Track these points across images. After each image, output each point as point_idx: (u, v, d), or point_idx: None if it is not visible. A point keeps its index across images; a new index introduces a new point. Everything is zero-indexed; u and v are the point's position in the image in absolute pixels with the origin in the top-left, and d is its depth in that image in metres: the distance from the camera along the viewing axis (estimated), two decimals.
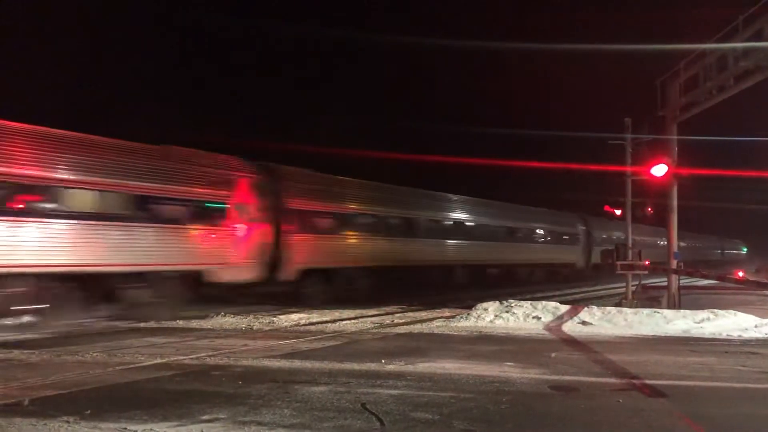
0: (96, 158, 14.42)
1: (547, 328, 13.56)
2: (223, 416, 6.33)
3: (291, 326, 14.21)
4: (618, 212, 32.68)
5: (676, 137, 18.08)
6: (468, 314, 14.90)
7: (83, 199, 14.03)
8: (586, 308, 14.92)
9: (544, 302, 15.42)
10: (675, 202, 18.53)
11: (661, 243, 41.86)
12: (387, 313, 17.12)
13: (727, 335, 12.53)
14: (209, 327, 14.13)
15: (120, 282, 14.66)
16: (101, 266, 14.25)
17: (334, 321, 15.12)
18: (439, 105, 79.15)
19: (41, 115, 14.99)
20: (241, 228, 17.53)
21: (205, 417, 6.30)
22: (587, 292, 28.32)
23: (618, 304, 17.26)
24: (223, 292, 17.51)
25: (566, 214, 39.72)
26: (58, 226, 13.56)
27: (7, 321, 13.33)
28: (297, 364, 9.28)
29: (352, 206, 22.40)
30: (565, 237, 38.07)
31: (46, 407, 6.65)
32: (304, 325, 14.41)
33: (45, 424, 6.04)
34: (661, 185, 18.78)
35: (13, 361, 9.67)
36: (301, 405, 6.77)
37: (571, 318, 14.22)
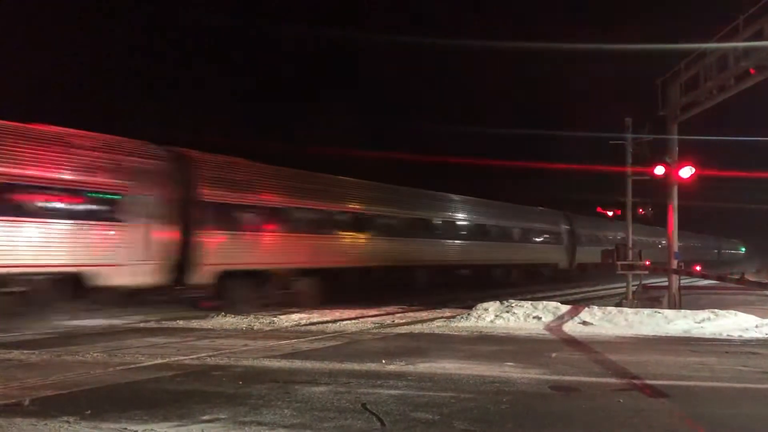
0: None
1: (548, 328, 13.55)
2: (223, 416, 6.33)
3: (291, 326, 14.21)
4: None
5: (676, 137, 18.08)
6: (468, 314, 14.90)
7: None
8: (586, 308, 14.92)
9: (544, 302, 15.41)
10: (676, 202, 18.52)
11: (655, 241, 41.86)
12: (387, 314, 17.12)
13: (728, 335, 12.52)
14: (210, 327, 14.13)
15: None
16: None
17: (334, 321, 15.12)
18: (439, 105, 79.15)
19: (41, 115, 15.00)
20: (138, 223, 15.18)
21: (205, 417, 6.30)
22: (588, 292, 28.31)
23: (619, 304, 17.26)
24: (116, 298, 15.28)
25: (547, 212, 37.66)
26: None
27: None
28: (297, 364, 9.28)
29: (289, 200, 19.64)
30: (545, 236, 35.90)
31: (46, 407, 6.66)
32: (305, 325, 14.41)
33: (45, 424, 6.04)
34: (662, 185, 18.76)
35: (13, 361, 9.68)
36: (301, 405, 6.77)
37: (572, 318, 14.21)
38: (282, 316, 15.80)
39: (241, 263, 17.67)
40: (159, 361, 9.52)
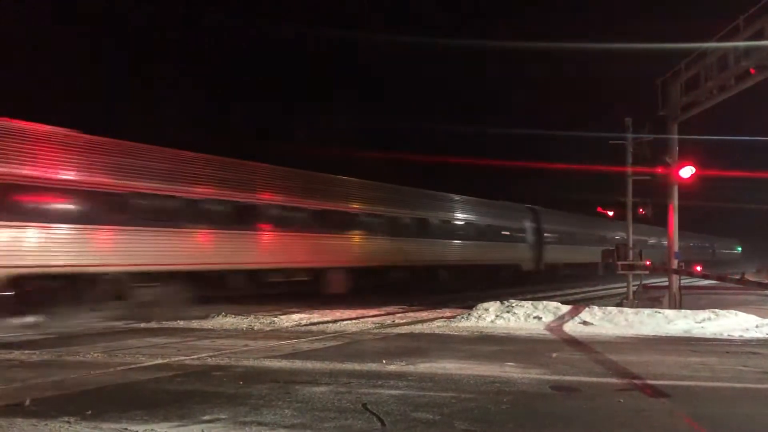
0: None
1: (548, 328, 13.55)
2: (224, 416, 6.33)
3: (292, 326, 14.21)
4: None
5: (677, 137, 18.07)
6: (469, 314, 14.90)
7: None
8: (587, 308, 14.92)
9: (545, 302, 15.41)
10: (676, 202, 18.52)
11: (651, 241, 41.52)
12: (388, 314, 17.13)
13: (729, 335, 12.52)
14: (210, 327, 14.14)
15: None
16: None
17: (335, 321, 15.13)
18: (439, 105, 79.15)
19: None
20: None
21: (206, 417, 6.30)
22: (588, 292, 28.32)
23: (619, 304, 17.26)
24: None
25: (508, 206, 33.97)
26: None
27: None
28: (298, 364, 9.28)
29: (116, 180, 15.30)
30: (505, 233, 31.82)
31: (47, 407, 6.66)
32: (305, 325, 14.41)
33: (46, 424, 6.04)
34: (662, 185, 18.76)
35: (14, 361, 9.69)
36: (302, 405, 6.77)
37: (572, 318, 14.21)
38: (282, 317, 15.81)
39: (45, 265, 13.97)
40: (159, 361, 9.52)
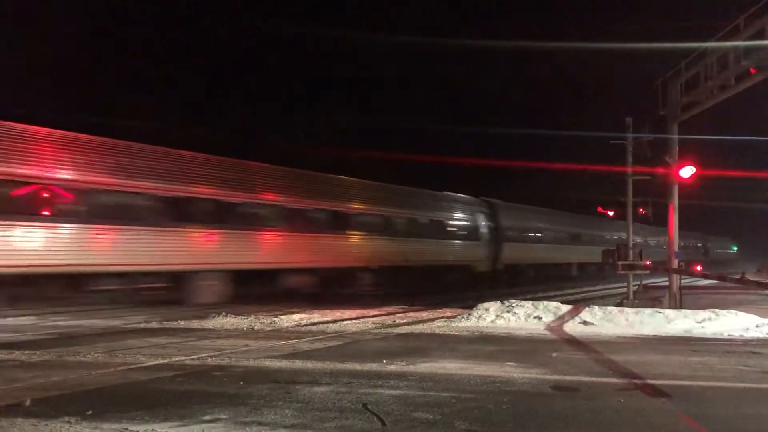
0: None
1: (549, 328, 13.55)
2: (224, 417, 6.33)
3: (292, 326, 14.21)
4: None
5: (677, 137, 18.08)
6: (469, 314, 14.90)
7: None
8: (587, 308, 14.92)
9: (545, 302, 15.41)
10: (676, 202, 18.53)
11: (642, 240, 41.08)
12: (388, 314, 17.12)
13: (729, 335, 12.52)
14: (210, 327, 14.13)
15: None
16: None
17: (335, 321, 15.12)
18: (439, 105, 79.14)
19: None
20: None
21: (206, 417, 6.30)
22: (588, 292, 28.34)
23: (619, 304, 17.28)
24: None
25: (456, 198, 30.06)
26: None
27: None
28: (298, 364, 9.28)
29: None
30: (451, 229, 28.11)
31: (47, 408, 6.66)
32: (306, 325, 14.41)
33: (46, 424, 6.04)
34: (662, 185, 18.77)
35: (14, 361, 9.68)
36: (302, 405, 6.77)
37: (573, 318, 14.21)
38: (283, 317, 15.80)
39: None
40: (160, 361, 9.52)
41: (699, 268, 26.81)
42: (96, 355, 10.15)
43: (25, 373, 8.65)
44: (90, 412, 6.46)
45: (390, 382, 7.97)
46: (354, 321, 15.27)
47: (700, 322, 13.50)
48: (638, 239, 41.33)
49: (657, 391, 7.56)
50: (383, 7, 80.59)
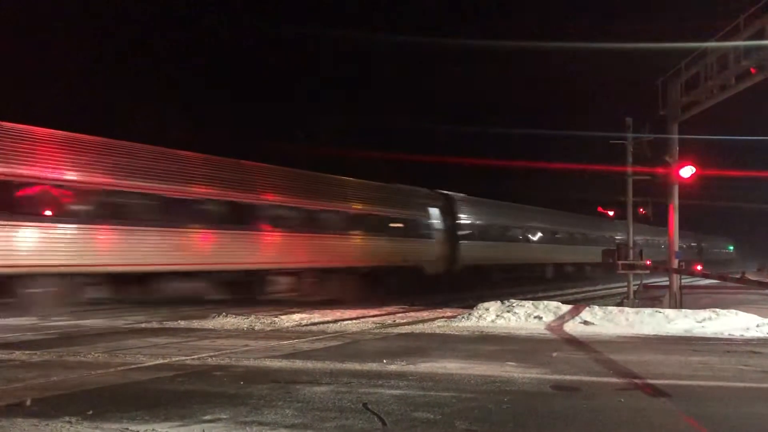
0: None
1: (549, 327, 13.55)
2: (224, 416, 6.33)
3: (292, 326, 14.21)
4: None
5: (677, 136, 18.08)
6: (469, 314, 14.91)
7: None
8: (587, 308, 14.92)
9: (545, 302, 15.41)
10: (676, 202, 18.53)
11: (639, 240, 40.31)
12: (389, 313, 17.13)
13: (729, 334, 12.52)
14: (211, 327, 14.14)
15: None
16: None
17: (335, 321, 15.13)
18: (439, 105, 79.18)
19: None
20: None
21: (206, 417, 6.30)
22: (588, 291, 28.36)
23: (620, 304, 17.29)
24: None
25: (402, 190, 26.42)
26: None
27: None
28: (298, 364, 9.28)
29: None
30: (394, 225, 24.40)
31: (48, 408, 6.66)
32: (306, 325, 14.42)
33: (47, 424, 6.04)
34: (662, 185, 18.76)
35: (14, 361, 9.69)
36: (302, 405, 6.77)
37: (573, 318, 14.22)
38: (283, 317, 15.81)
39: None
40: (160, 361, 9.52)
41: (699, 267, 26.64)
42: (96, 355, 10.16)
43: (25, 373, 8.65)
44: (90, 412, 6.46)
45: (390, 381, 7.97)
46: (354, 321, 15.28)
47: (701, 322, 13.50)
48: (640, 238, 40.96)
49: (657, 391, 7.56)
50: (383, 7, 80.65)
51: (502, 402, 6.90)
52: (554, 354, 10.12)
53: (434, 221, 26.69)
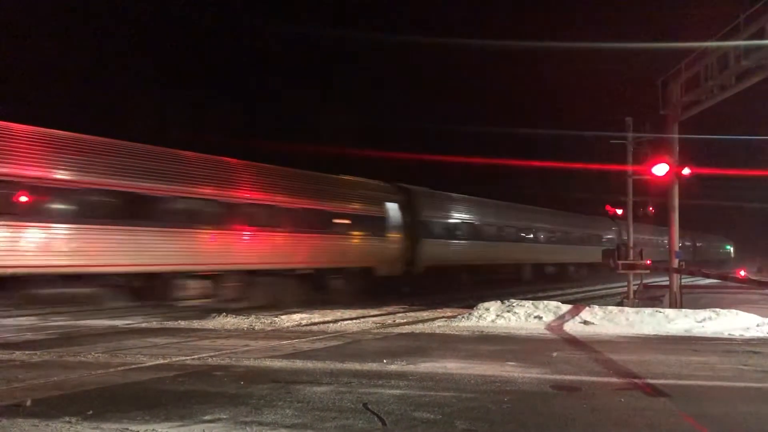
0: None
1: (549, 327, 13.56)
2: (225, 416, 6.33)
3: (292, 326, 14.22)
4: (619, 212, 30.17)
5: (677, 136, 18.07)
6: (470, 314, 14.91)
7: None
8: (587, 308, 14.93)
9: (545, 302, 15.42)
10: (676, 201, 18.52)
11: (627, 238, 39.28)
12: (389, 313, 17.15)
13: (729, 334, 12.53)
14: (211, 327, 14.15)
15: None
16: None
17: (335, 321, 15.13)
18: (438, 104, 79.17)
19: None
20: None
21: (207, 417, 6.31)
22: (588, 291, 28.34)
23: (620, 304, 17.29)
24: None
25: (349, 182, 23.14)
26: None
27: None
28: (299, 364, 9.29)
29: None
30: (339, 221, 21.04)
31: (48, 408, 6.66)
32: (306, 325, 14.42)
33: (47, 424, 6.05)
34: (662, 184, 18.75)
35: (15, 361, 9.69)
36: (302, 405, 6.77)
37: (573, 317, 14.22)
38: (283, 316, 15.81)
39: None
40: (160, 361, 9.53)
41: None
42: (96, 355, 10.16)
43: (25, 373, 8.66)
44: (90, 412, 6.46)
45: (390, 381, 7.97)
46: (354, 321, 15.28)
47: (701, 322, 13.50)
48: (625, 237, 39.89)
49: (657, 391, 7.57)
50: (383, 6, 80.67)
51: (503, 402, 6.90)
52: (554, 354, 10.12)
53: (391, 217, 23.60)
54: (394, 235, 23.66)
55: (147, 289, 16.31)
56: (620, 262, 19.26)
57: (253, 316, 15.66)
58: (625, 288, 20.16)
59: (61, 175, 14.08)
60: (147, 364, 9.30)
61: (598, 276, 34.77)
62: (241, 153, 19.71)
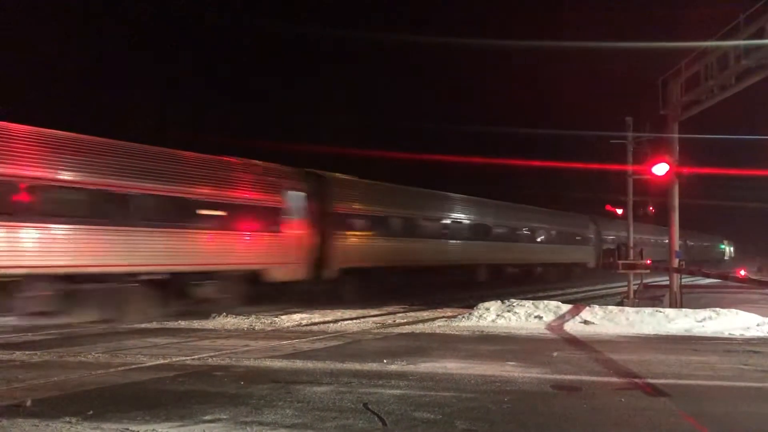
0: None
1: (549, 327, 13.56)
2: (225, 417, 6.33)
3: (293, 326, 14.22)
4: (619, 212, 29.85)
5: (677, 136, 18.07)
6: (470, 314, 14.91)
7: None
8: (587, 307, 14.92)
9: (545, 302, 15.41)
10: (676, 201, 18.52)
11: (611, 238, 36.92)
12: (389, 313, 17.15)
13: (729, 334, 12.53)
14: (211, 327, 14.15)
15: None
16: None
17: (335, 321, 15.14)
18: (439, 104, 79.15)
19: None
20: None
21: (207, 417, 6.31)
22: (588, 291, 28.34)
23: (620, 303, 17.29)
24: None
25: (236, 166, 18.45)
26: None
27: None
28: (299, 364, 9.29)
29: None
30: (211, 212, 16.98)
31: (48, 408, 6.66)
32: (306, 325, 14.42)
33: (47, 424, 6.04)
34: (662, 184, 18.75)
35: (15, 362, 9.69)
36: (303, 405, 6.77)
37: (573, 317, 14.22)
38: (283, 317, 15.81)
39: None
40: (160, 361, 9.53)
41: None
42: (96, 355, 10.17)
43: (25, 373, 8.66)
44: (91, 412, 6.46)
45: (391, 381, 7.97)
46: (354, 321, 15.28)
47: (701, 321, 13.50)
48: (610, 235, 38.17)
49: (657, 391, 7.56)
50: (383, 6, 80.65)
51: (503, 402, 6.90)
52: (554, 354, 10.12)
53: (294, 209, 19.30)
54: (296, 231, 19.35)
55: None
56: (620, 261, 19.28)
57: (253, 316, 15.67)
58: (625, 288, 20.17)
59: None
60: (147, 364, 9.30)
61: (572, 278, 33.82)
62: (240, 153, 19.51)
